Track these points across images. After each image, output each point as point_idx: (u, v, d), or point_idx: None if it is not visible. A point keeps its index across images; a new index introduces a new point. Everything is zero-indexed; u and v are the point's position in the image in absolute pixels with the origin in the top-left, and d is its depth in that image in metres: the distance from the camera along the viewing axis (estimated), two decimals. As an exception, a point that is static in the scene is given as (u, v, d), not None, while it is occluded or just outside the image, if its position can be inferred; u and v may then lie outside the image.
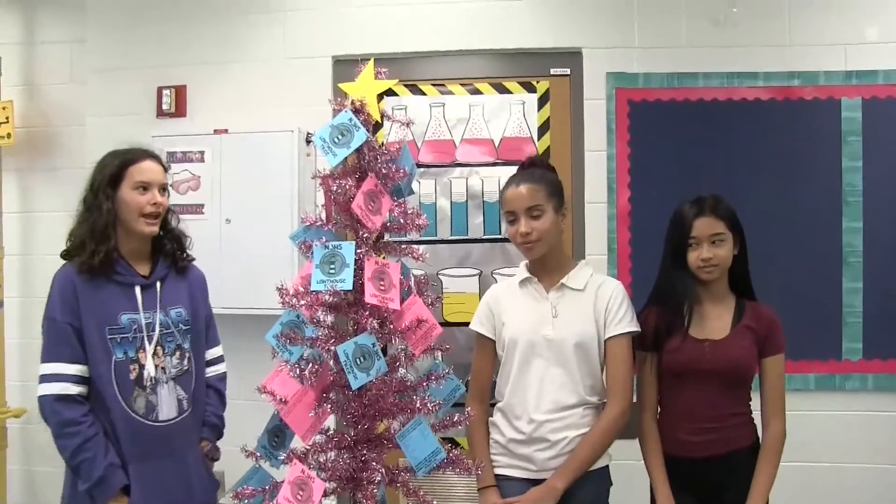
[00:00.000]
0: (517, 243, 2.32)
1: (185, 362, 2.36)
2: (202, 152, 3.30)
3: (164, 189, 2.35)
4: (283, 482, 1.75)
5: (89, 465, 2.17)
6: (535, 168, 2.38)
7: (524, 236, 2.27)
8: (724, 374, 2.25)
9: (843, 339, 3.41)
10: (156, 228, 2.32)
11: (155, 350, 2.29)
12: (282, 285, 1.85)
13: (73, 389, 2.20)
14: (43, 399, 2.20)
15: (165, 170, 2.39)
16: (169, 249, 2.40)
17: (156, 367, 2.28)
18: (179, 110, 3.60)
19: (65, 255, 2.31)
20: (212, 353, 2.52)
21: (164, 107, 3.59)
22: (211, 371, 2.51)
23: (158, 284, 2.34)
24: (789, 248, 3.37)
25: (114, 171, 2.29)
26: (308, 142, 3.42)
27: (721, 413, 2.27)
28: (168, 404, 2.30)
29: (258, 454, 1.89)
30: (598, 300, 2.31)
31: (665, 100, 3.46)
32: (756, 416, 2.36)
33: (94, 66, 3.69)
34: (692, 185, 2.53)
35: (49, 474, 3.82)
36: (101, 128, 3.65)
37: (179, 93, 3.60)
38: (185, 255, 2.45)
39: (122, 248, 2.31)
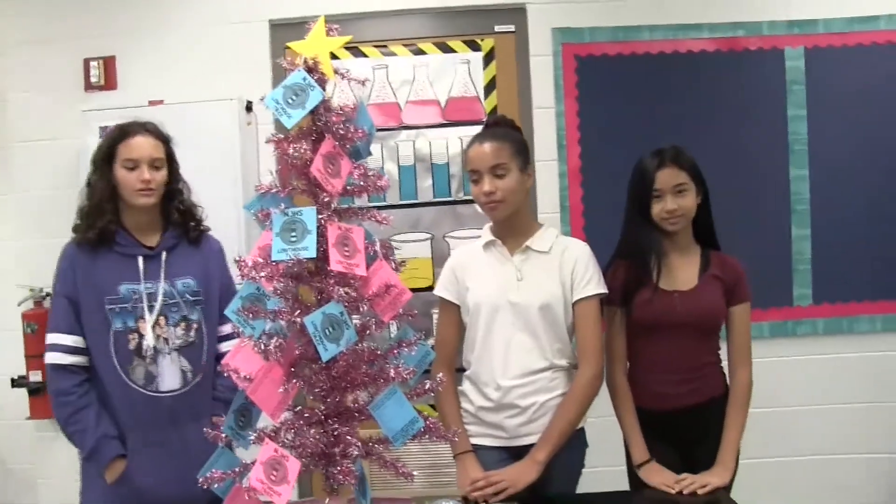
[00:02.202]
0: (481, 203, 2.25)
1: (192, 334, 2.35)
2: (137, 125, 3.15)
3: (158, 163, 2.33)
4: (253, 463, 1.66)
5: (80, 436, 2.26)
6: (500, 127, 2.32)
7: (488, 195, 2.20)
8: (695, 324, 2.24)
9: (794, 285, 3.46)
10: (150, 200, 2.32)
11: (157, 320, 2.30)
12: (239, 258, 1.75)
13: (67, 359, 2.28)
14: (46, 368, 2.32)
15: (165, 141, 2.37)
16: (177, 220, 2.40)
17: (157, 337, 2.30)
18: (109, 82, 3.43)
19: (73, 229, 2.38)
20: (231, 327, 2.37)
21: (93, 79, 3.41)
22: (228, 345, 2.40)
23: (164, 255, 2.34)
24: (738, 198, 3.38)
25: (106, 148, 2.33)
26: (249, 110, 3.31)
27: (693, 364, 2.27)
28: (170, 375, 2.31)
29: (225, 435, 1.80)
30: (564, 263, 2.26)
31: (612, 54, 3.43)
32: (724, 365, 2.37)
33: (13, 37, 3.48)
34: (642, 139, 2.52)
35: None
36: (24, 104, 3.48)
37: (108, 64, 3.43)
38: (197, 226, 2.43)
39: (127, 221, 2.35)
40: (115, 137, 2.33)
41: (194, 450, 2.23)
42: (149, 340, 2.28)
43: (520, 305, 2.23)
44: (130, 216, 2.35)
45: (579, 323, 2.25)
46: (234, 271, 1.77)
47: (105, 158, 2.32)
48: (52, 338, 2.30)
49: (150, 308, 2.29)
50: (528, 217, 2.37)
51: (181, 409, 2.31)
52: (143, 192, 2.29)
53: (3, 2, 3.47)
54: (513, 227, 2.29)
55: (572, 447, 2.26)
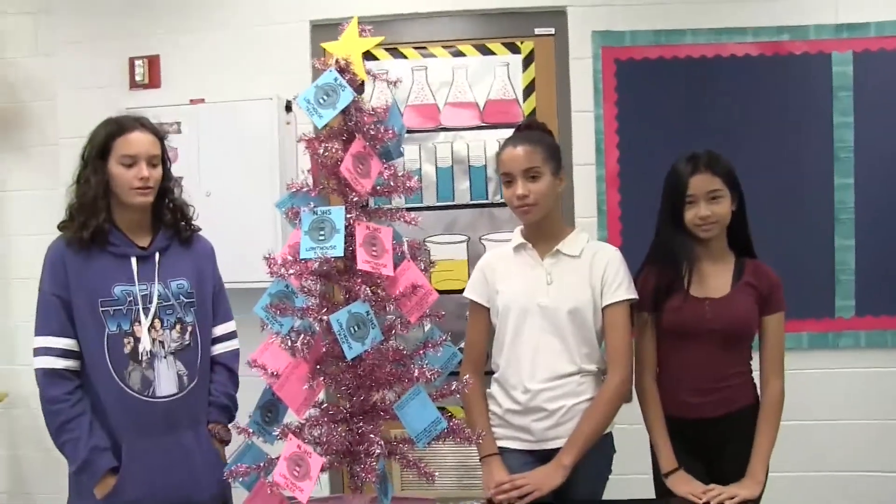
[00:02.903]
0: (513, 206, 2.24)
1: (187, 337, 2.27)
2: (178, 123, 3.21)
3: (155, 160, 2.24)
4: (278, 458, 1.68)
5: (72, 446, 2.14)
6: (533, 130, 2.31)
7: (521, 199, 2.19)
8: (725, 332, 2.20)
9: (836, 296, 3.38)
10: (148, 198, 2.24)
11: (152, 323, 2.21)
12: (269, 255, 1.77)
13: (60, 364, 2.17)
14: (35, 373, 2.18)
15: (161, 138, 2.30)
16: (169, 220, 2.32)
17: (153, 340, 2.21)
18: (153, 81, 3.50)
19: (60, 226, 2.26)
20: (222, 329, 2.41)
21: (138, 78, 3.48)
22: (220, 348, 2.40)
23: (157, 255, 2.26)
24: (781, 206, 3.32)
25: (101, 143, 2.21)
26: (288, 109, 3.34)
27: (723, 373, 2.23)
28: (167, 380, 2.22)
29: (251, 430, 1.82)
30: (595, 267, 2.25)
31: (652, 58, 3.38)
32: (755, 375, 2.32)
33: (62, 37, 3.57)
34: (681, 145, 2.47)
35: (33, 458, 3.76)
36: (72, 102, 3.55)
37: (153, 63, 3.50)
38: (188, 225, 2.37)
39: (119, 220, 2.25)
40: (111, 132, 2.22)
41: (192, 456, 2.24)
42: (145, 344, 2.19)
43: (549, 309, 2.22)
44: (122, 215, 2.25)
45: (608, 328, 2.24)
46: (265, 268, 1.78)
47: (99, 154, 2.21)
48: (41, 341, 2.18)
49: (146, 310, 2.21)
50: (560, 221, 2.35)
51: (178, 414, 2.23)
52: (141, 190, 2.21)
53: (53, 3, 3.55)
54: (544, 230, 2.28)
55: (599, 452, 2.24)
